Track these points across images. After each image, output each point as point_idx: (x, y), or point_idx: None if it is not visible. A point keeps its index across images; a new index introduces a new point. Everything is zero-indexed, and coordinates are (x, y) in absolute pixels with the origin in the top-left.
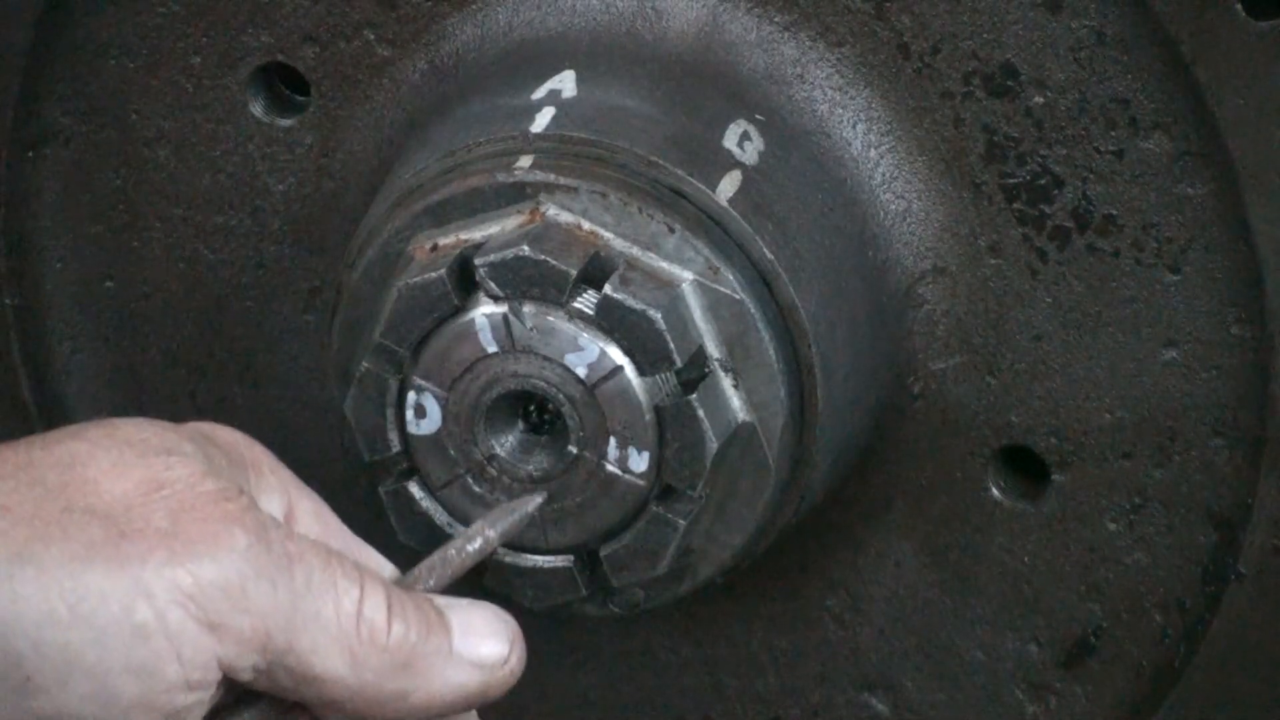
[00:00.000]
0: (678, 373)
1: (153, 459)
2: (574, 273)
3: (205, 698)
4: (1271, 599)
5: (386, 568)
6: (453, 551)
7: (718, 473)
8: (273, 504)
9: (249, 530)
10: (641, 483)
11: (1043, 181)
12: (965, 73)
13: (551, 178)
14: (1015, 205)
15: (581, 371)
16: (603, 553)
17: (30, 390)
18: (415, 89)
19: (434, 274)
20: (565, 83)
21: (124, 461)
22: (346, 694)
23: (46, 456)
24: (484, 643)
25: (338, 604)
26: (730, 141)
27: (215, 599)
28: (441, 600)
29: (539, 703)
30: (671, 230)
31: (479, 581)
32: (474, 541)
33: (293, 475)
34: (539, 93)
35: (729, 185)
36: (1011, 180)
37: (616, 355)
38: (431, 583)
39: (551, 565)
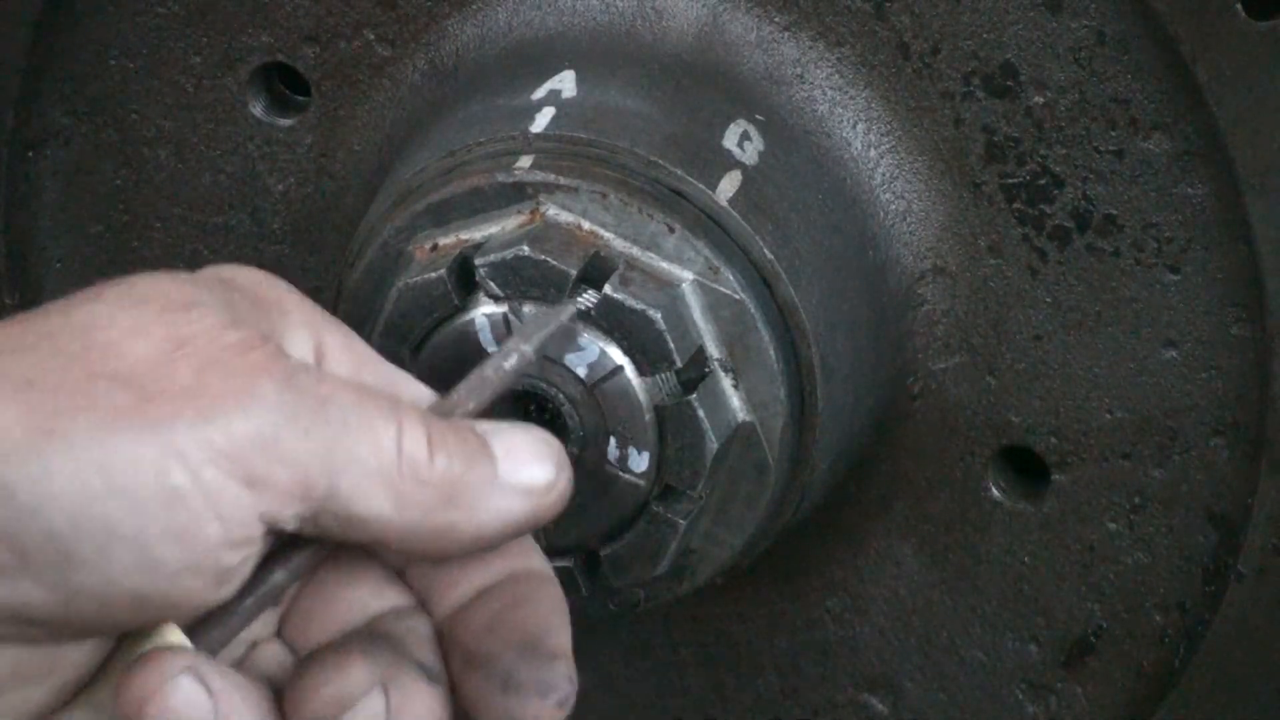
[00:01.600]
0: (678, 373)
1: (173, 315)
2: (574, 273)
3: (252, 553)
4: (1271, 599)
5: (425, 395)
6: (490, 371)
7: (718, 473)
8: (300, 344)
9: (276, 379)
10: (641, 483)
11: (1043, 181)
12: (965, 73)
13: (551, 178)
14: (1015, 205)
15: (581, 371)
16: (603, 553)
17: None
18: (415, 89)
19: (434, 274)
20: (565, 83)
21: (143, 320)
22: (394, 532)
23: (66, 323)
24: (529, 467)
25: (376, 442)
26: (730, 141)
27: (249, 453)
28: (483, 425)
29: None
30: (671, 230)
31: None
32: (510, 358)
33: (319, 309)
34: (539, 93)
35: (729, 185)
36: (1011, 180)
37: (616, 355)
38: (471, 406)
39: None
